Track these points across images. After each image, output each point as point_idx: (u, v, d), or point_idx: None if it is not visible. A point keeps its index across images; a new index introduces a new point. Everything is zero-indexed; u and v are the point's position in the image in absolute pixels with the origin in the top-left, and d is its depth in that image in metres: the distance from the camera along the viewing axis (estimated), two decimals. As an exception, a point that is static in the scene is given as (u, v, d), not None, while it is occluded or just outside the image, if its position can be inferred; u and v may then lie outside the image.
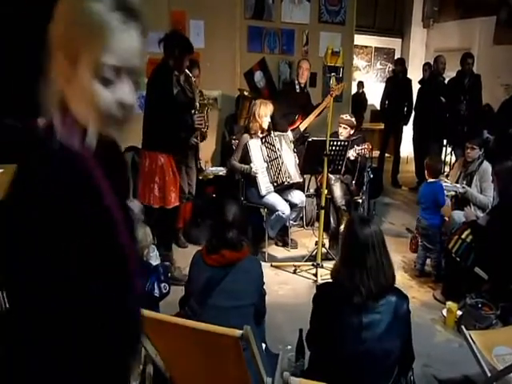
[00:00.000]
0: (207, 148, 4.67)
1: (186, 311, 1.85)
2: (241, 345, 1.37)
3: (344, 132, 4.08)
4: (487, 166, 3.58)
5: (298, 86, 4.46)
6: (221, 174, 4.50)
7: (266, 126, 3.82)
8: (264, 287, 2.01)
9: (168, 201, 3.27)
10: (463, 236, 3.07)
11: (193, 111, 3.42)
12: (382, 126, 6.85)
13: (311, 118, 4.26)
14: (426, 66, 6.36)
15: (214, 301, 1.79)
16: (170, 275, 3.15)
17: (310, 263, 3.59)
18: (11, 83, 4.24)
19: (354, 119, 4.18)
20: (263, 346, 1.97)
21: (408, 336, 1.69)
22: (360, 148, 3.91)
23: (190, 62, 3.93)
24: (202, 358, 1.51)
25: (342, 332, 1.63)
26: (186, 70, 3.31)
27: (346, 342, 1.62)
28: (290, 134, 4.06)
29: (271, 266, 3.70)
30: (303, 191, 4.23)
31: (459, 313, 2.85)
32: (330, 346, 1.68)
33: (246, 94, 4.53)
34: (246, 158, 3.77)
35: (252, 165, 3.70)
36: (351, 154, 3.85)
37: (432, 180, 3.55)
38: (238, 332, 1.34)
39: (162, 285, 2.09)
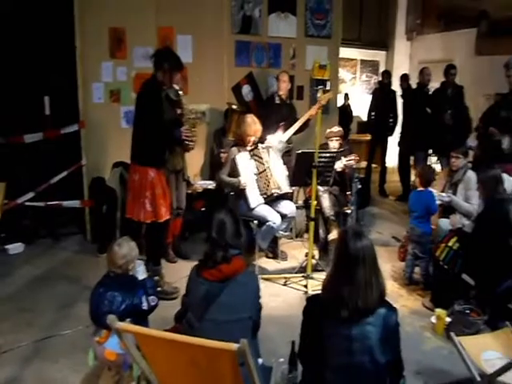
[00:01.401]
0: (196, 162, 4.69)
1: (183, 325, 1.84)
2: (237, 359, 1.37)
3: (336, 144, 4.14)
4: (472, 175, 3.66)
5: (277, 98, 4.53)
6: (210, 187, 4.51)
7: (253, 142, 3.86)
8: (260, 301, 2.01)
9: (159, 215, 3.25)
10: (450, 243, 3.12)
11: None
12: (368, 137, 6.95)
13: (294, 128, 4.30)
14: (402, 77, 6.51)
15: (211, 315, 1.79)
16: (160, 289, 3.15)
17: (301, 275, 3.61)
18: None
19: (341, 129, 4.26)
20: (260, 361, 1.97)
21: (397, 347, 1.70)
22: (347, 159, 3.96)
23: None
24: (198, 373, 1.49)
25: (332, 344, 1.63)
26: (175, 86, 3.32)
27: (336, 353, 1.63)
28: (270, 139, 4.07)
29: (262, 278, 3.69)
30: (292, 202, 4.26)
31: (448, 319, 2.88)
32: (320, 358, 1.68)
33: (234, 107, 4.57)
34: (234, 172, 3.80)
35: (240, 178, 3.72)
36: (338, 165, 3.91)
37: (422, 189, 3.61)
38: (234, 346, 1.33)
39: (150, 298, 2.09)
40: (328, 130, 4.22)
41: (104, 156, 4.34)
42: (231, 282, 1.84)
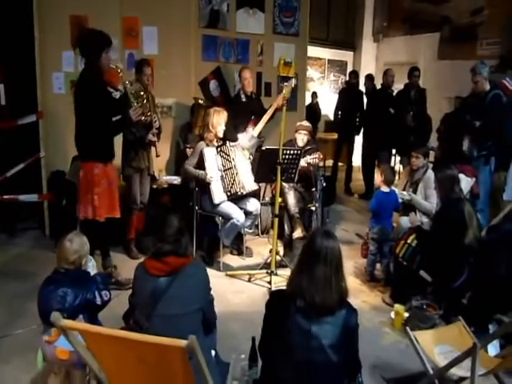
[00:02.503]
0: (161, 156, 4.58)
1: (131, 325, 1.80)
2: (186, 355, 1.35)
3: (304, 138, 4.16)
4: (431, 174, 3.77)
5: (243, 95, 4.49)
6: (175, 182, 4.44)
7: (221, 134, 3.83)
8: (212, 293, 2.00)
9: (99, 214, 3.11)
10: (409, 241, 3.20)
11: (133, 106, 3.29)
12: (335, 135, 7.05)
13: (263, 121, 4.28)
14: (367, 77, 6.67)
15: (160, 310, 1.76)
16: (114, 280, 3.13)
17: (265, 271, 3.61)
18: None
19: (310, 125, 4.30)
20: (213, 352, 1.95)
21: (355, 348, 1.72)
22: (311, 157, 4.00)
23: (140, 60, 3.84)
24: (148, 370, 1.47)
25: (292, 340, 1.64)
26: (112, 65, 3.12)
27: (295, 350, 1.63)
28: (241, 138, 4.06)
29: (226, 275, 3.69)
30: (259, 199, 4.26)
31: (406, 314, 2.96)
32: (280, 354, 1.69)
33: (200, 102, 4.51)
34: (201, 166, 3.76)
35: (207, 171, 3.68)
36: (301, 162, 3.93)
37: (387, 189, 3.69)
38: (183, 342, 1.31)
39: (103, 292, 2.04)
40: (298, 123, 4.25)
41: (64, 148, 4.18)
42: (179, 275, 1.81)
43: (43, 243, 4.14)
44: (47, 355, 1.96)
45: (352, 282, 3.69)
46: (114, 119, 3.20)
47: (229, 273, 3.71)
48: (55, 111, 4.16)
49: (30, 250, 4.02)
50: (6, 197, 3.98)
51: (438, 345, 2.27)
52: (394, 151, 6.22)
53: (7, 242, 4.19)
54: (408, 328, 2.30)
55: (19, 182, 4.09)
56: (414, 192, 3.87)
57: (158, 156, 3.82)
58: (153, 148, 3.80)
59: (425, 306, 2.91)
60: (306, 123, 4.23)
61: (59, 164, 4.18)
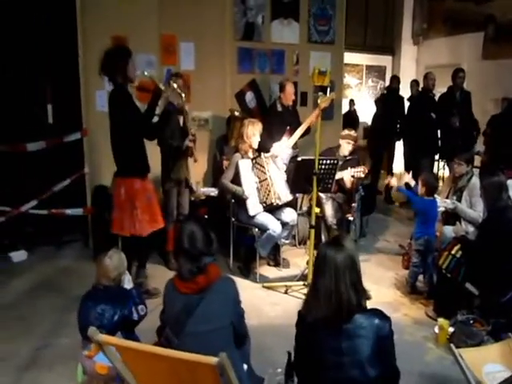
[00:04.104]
0: (199, 169, 4.69)
1: (162, 342, 1.82)
2: (218, 372, 1.35)
3: (349, 147, 4.13)
4: (476, 181, 3.58)
5: (279, 105, 4.47)
6: (212, 194, 4.50)
7: (255, 145, 3.84)
8: (242, 306, 1.97)
9: (143, 228, 3.14)
10: (453, 251, 3.05)
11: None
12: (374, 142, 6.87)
13: (298, 133, 4.26)
14: (414, 82, 6.46)
15: (190, 328, 1.76)
16: (144, 290, 3.17)
17: (302, 283, 3.56)
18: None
19: (357, 135, 4.26)
20: (245, 367, 1.93)
21: (391, 357, 1.64)
22: (356, 170, 3.92)
23: (170, 73, 3.96)
24: (181, 384, 1.48)
25: (322, 357, 1.60)
26: (145, 73, 3.14)
27: (327, 367, 1.59)
28: (275, 147, 4.04)
29: (263, 286, 3.67)
30: (296, 210, 4.23)
31: (451, 329, 2.81)
32: (314, 371, 1.64)
33: (236, 114, 4.57)
34: (237, 178, 3.78)
35: (244, 188, 3.69)
36: (346, 176, 3.87)
37: (429, 197, 3.54)
38: (214, 360, 1.31)
39: (140, 307, 2.08)
40: (345, 132, 4.22)
41: (107, 164, 4.32)
42: (208, 292, 1.80)
43: (87, 255, 4.29)
44: (87, 370, 2.02)
45: (393, 294, 3.57)
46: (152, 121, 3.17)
47: (265, 284, 3.69)
48: (98, 128, 4.34)
49: (75, 262, 4.19)
50: (54, 211, 4.19)
51: (486, 363, 2.13)
52: (436, 157, 5.97)
53: (55, 253, 4.39)
54: (453, 344, 2.18)
55: (65, 197, 4.30)
56: (459, 200, 3.68)
57: (195, 161, 3.88)
58: (190, 158, 3.88)
59: (471, 321, 2.75)
60: (353, 133, 4.22)
61: (102, 179, 4.35)
